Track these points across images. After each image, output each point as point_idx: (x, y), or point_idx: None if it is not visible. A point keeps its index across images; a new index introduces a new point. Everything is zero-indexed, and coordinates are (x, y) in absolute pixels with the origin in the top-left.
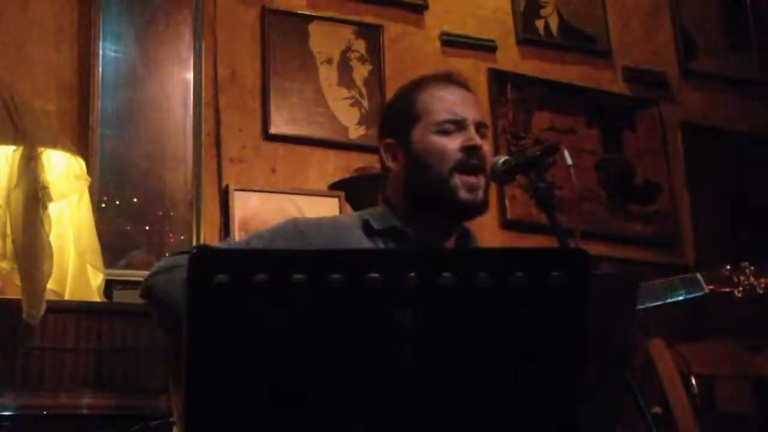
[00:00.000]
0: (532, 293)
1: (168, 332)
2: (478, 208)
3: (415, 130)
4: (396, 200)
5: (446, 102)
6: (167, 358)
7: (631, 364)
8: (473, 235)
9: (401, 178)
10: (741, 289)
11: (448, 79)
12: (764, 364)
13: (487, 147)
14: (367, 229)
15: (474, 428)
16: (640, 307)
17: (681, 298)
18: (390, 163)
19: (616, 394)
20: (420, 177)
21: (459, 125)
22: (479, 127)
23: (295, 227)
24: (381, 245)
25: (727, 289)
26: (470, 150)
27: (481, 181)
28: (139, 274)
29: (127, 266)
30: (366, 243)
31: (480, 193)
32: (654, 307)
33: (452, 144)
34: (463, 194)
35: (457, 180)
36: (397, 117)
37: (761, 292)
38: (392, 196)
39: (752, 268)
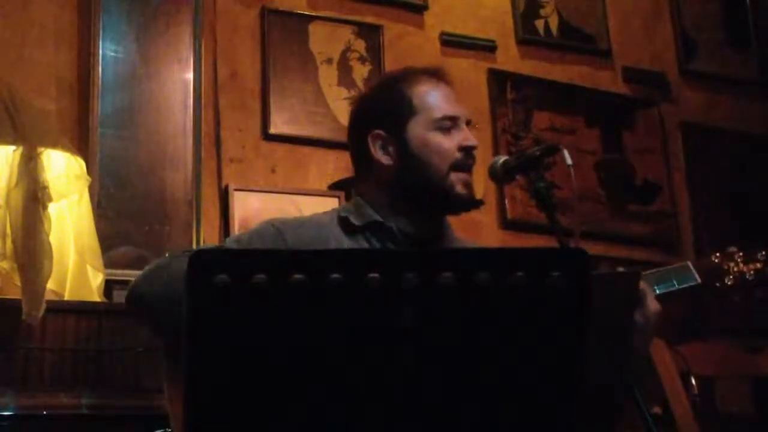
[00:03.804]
0: (532, 293)
1: (158, 334)
2: (475, 203)
3: (411, 125)
4: (375, 194)
5: (442, 99)
6: (161, 355)
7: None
8: (450, 227)
9: (390, 172)
10: (731, 276)
11: (438, 75)
12: (764, 364)
13: None
14: (346, 225)
15: (474, 428)
16: None
17: (674, 288)
18: (379, 156)
19: (616, 394)
20: (417, 172)
21: (454, 122)
22: (468, 124)
23: (273, 228)
24: (362, 242)
25: (719, 277)
26: (468, 149)
27: (471, 177)
28: (134, 274)
29: (128, 264)
30: (346, 241)
31: (472, 188)
32: None
33: (450, 143)
34: (461, 190)
35: (454, 177)
36: (389, 109)
37: (750, 279)
38: (371, 190)
39: (741, 254)
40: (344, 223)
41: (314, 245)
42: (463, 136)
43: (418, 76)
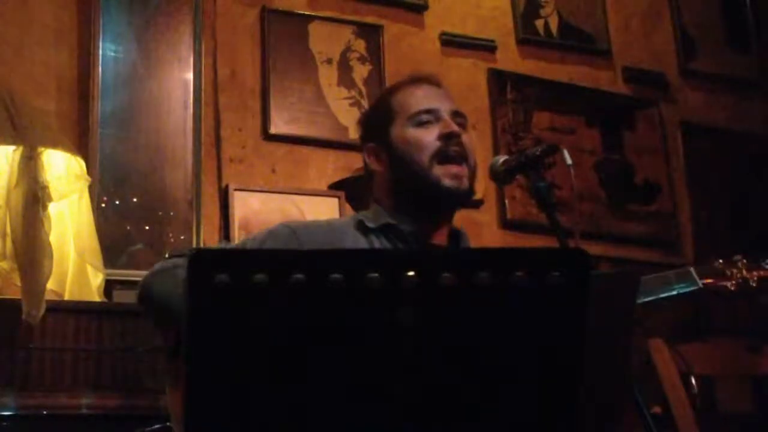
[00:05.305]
0: (532, 293)
1: (165, 332)
2: (463, 195)
3: (392, 129)
4: (385, 200)
5: (417, 96)
6: (164, 358)
7: (630, 364)
8: (465, 235)
9: (386, 178)
10: (734, 282)
11: (419, 78)
12: (764, 364)
13: (467, 137)
14: (362, 228)
15: (474, 428)
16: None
17: (675, 292)
18: (374, 165)
19: (616, 394)
20: (403, 172)
21: (434, 115)
22: (455, 116)
23: (289, 230)
24: (377, 243)
25: (721, 283)
26: (447, 137)
27: (464, 170)
28: (138, 274)
29: (128, 264)
30: (362, 241)
31: (465, 181)
32: (649, 302)
33: (429, 135)
34: (447, 182)
35: (439, 170)
36: (374, 120)
37: (754, 285)
38: (381, 196)
39: (745, 261)
40: (360, 225)
41: (328, 247)
42: (442, 125)
43: (403, 84)
